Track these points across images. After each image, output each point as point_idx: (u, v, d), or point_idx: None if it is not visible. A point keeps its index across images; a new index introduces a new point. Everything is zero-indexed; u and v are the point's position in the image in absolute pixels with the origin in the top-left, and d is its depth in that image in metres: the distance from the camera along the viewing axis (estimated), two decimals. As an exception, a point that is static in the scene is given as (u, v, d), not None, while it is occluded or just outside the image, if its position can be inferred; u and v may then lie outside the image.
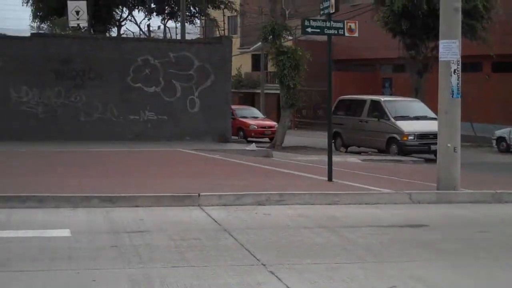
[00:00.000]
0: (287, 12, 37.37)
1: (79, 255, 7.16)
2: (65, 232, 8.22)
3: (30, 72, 20.98)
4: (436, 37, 14.17)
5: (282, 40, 25.50)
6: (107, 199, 10.11)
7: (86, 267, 6.67)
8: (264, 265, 6.90)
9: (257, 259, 7.13)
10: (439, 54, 11.80)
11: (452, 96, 11.61)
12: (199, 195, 10.36)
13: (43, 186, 10.88)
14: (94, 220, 9.05)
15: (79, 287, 6.12)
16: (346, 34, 12.84)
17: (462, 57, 11.79)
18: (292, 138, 29.10)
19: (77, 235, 8.06)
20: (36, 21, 42.37)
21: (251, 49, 52.35)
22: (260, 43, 37.49)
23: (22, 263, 6.79)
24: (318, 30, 12.72)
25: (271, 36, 24.78)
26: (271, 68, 35.72)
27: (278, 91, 32.11)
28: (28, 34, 24.24)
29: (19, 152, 17.74)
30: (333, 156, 13.27)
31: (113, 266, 6.76)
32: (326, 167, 12.92)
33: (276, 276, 6.49)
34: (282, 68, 24.40)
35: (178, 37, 40.99)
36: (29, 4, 40.88)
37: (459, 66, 11.64)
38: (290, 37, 28.13)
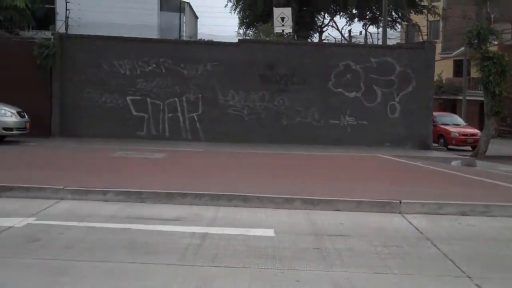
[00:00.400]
0: (492, 16, 35.88)
1: (283, 255, 7.35)
2: (269, 232, 8.48)
3: (236, 77, 21.88)
4: None
5: (488, 45, 24.55)
6: (309, 202, 10.29)
7: (289, 267, 6.84)
8: (470, 277, 6.69)
9: (462, 271, 6.92)
10: None
11: None
12: (400, 202, 10.25)
13: (247, 186, 11.28)
14: (296, 222, 9.25)
15: (284, 286, 6.29)
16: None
17: None
18: (496, 147, 27.90)
19: (280, 235, 8.29)
20: (243, 27, 44.17)
21: (453, 54, 50.85)
22: (463, 48, 36.34)
23: (229, 259, 7.10)
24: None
25: (476, 41, 23.95)
26: (474, 74, 34.50)
27: (480, 98, 30.97)
28: (235, 40, 25.27)
29: (226, 152, 18.54)
30: (543, 168, 12.57)
31: (316, 268, 6.88)
32: (536, 179, 12.26)
33: (483, 290, 6.29)
34: (488, 74, 23.49)
35: (379, 42, 40.83)
36: (236, 11, 42.75)
37: None
38: (496, 42, 26.99)
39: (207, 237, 8.05)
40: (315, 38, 43.53)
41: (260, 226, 8.87)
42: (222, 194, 10.43)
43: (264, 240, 8.02)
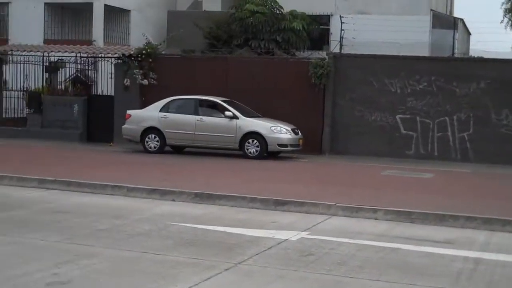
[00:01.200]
0: None
1: None
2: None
3: (511, 95, 20.84)
4: None
5: None
6: None
7: None
8: None
9: None
10: None
11: None
12: None
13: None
14: None
15: None
16: None
17: None
18: None
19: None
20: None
21: None
22: None
23: (504, 287, 6.83)
24: None
25: None
26: None
27: None
28: (510, 57, 24.17)
29: (497, 174, 17.86)
30: None
31: None
32: None
33: None
34: None
35: None
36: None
37: None
38: None
39: (480, 262, 7.81)
40: None
41: (536, 255, 8.41)
42: (497, 219, 10.06)
43: (543, 271, 7.60)
